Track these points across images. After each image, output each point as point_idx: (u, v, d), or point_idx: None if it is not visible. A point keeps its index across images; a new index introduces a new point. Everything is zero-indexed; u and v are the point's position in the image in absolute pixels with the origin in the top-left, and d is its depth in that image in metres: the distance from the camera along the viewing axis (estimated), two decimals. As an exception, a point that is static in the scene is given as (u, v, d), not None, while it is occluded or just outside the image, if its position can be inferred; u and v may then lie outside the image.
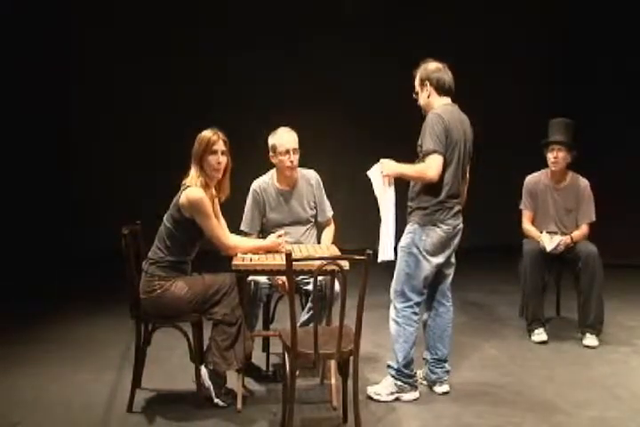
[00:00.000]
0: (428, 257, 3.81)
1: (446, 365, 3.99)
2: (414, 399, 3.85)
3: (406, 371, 3.84)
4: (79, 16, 7.80)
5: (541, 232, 4.91)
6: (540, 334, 4.83)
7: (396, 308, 3.86)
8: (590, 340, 4.74)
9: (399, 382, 3.84)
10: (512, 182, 5.35)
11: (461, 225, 3.96)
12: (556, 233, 4.89)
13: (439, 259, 3.86)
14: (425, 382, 4.04)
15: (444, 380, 3.97)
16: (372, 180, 3.81)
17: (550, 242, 4.77)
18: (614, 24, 7.50)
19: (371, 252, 3.19)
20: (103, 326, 5.23)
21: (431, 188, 3.79)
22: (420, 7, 7.98)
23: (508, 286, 6.12)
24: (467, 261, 7.59)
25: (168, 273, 3.66)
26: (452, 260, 4.02)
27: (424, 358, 4.04)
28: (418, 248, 3.81)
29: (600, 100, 7.51)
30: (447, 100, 3.92)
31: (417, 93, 3.95)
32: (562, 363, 4.45)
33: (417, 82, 3.93)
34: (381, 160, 3.83)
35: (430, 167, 3.69)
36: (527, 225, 5.03)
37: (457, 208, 3.93)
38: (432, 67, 3.91)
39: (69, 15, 7.74)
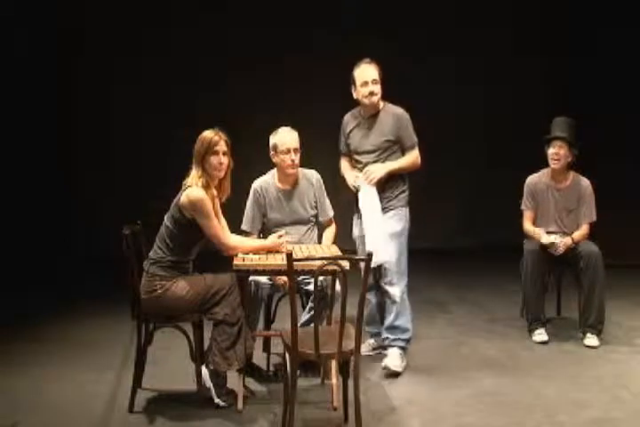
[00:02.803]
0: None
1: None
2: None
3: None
4: (79, 15, 7.80)
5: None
6: (540, 334, 4.83)
7: (400, 287, 4.25)
8: (591, 340, 4.73)
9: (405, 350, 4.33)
10: (513, 182, 5.35)
11: None
12: (556, 233, 4.88)
13: None
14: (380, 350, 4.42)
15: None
16: (363, 195, 4.21)
17: (547, 238, 4.75)
18: (614, 22, 7.51)
19: (372, 252, 3.19)
20: (103, 326, 5.22)
21: (402, 173, 4.33)
22: (422, 6, 7.99)
23: (509, 286, 6.12)
24: (467, 261, 7.70)
25: (169, 273, 3.66)
26: None
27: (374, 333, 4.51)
28: (407, 228, 4.35)
29: (600, 100, 7.50)
30: None
31: (378, 89, 4.31)
32: (563, 363, 4.45)
33: (379, 81, 4.28)
34: (365, 170, 4.22)
35: (419, 157, 4.34)
36: (528, 226, 5.01)
37: None
38: None
39: (69, 15, 7.73)
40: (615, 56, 7.50)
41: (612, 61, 7.51)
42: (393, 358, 4.21)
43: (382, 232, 4.14)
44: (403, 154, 4.34)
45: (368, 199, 4.19)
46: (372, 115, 4.34)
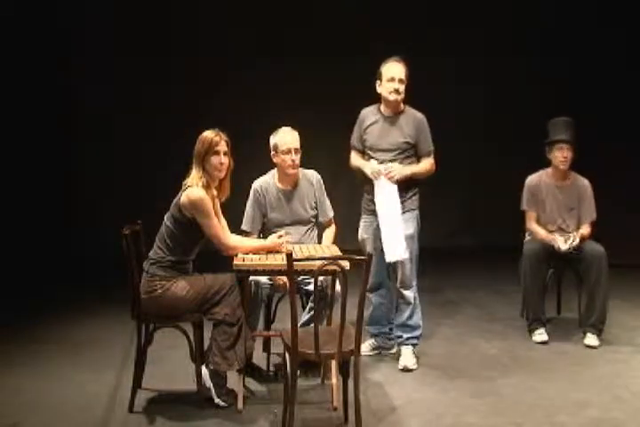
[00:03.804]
0: None
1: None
2: None
3: None
4: (79, 15, 7.80)
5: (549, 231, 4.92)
6: (541, 334, 4.83)
7: (414, 288, 4.35)
8: (591, 340, 4.73)
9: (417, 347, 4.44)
10: (512, 182, 5.35)
11: None
12: (565, 232, 4.86)
13: None
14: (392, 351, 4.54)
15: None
16: (382, 190, 4.19)
17: (565, 242, 4.71)
18: (614, 23, 7.51)
19: (372, 252, 3.19)
20: (103, 326, 5.22)
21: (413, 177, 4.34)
22: (421, 5, 7.99)
23: (509, 286, 6.11)
24: (467, 261, 7.69)
25: (169, 273, 3.66)
26: None
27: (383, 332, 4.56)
28: (418, 231, 4.37)
29: (600, 100, 7.50)
30: None
31: (403, 89, 4.31)
32: (563, 363, 4.45)
33: (405, 81, 4.28)
34: (389, 165, 4.18)
35: (434, 165, 4.36)
36: (534, 226, 4.94)
37: None
38: None
39: (69, 15, 7.73)
40: (615, 56, 7.50)
41: (612, 61, 7.51)
42: (408, 358, 4.33)
43: (400, 229, 4.16)
44: (417, 160, 4.34)
45: (387, 195, 4.18)
46: (393, 114, 4.32)
